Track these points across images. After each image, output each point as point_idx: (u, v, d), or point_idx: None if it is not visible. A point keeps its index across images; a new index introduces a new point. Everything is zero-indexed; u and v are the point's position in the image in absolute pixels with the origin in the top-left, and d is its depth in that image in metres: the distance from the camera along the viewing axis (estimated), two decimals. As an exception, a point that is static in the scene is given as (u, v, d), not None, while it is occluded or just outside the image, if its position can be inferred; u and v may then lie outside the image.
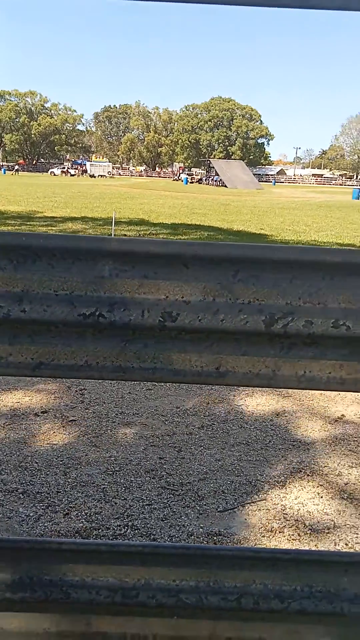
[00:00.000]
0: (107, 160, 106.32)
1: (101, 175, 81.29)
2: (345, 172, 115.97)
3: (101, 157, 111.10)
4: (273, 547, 2.29)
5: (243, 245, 1.08)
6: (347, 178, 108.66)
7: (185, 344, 1.12)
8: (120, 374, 1.11)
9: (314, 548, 2.34)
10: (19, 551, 1.40)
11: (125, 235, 12.18)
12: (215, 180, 67.96)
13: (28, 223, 13.86)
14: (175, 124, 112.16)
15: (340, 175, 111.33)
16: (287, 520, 2.53)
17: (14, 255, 1.05)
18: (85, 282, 1.07)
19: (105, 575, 1.38)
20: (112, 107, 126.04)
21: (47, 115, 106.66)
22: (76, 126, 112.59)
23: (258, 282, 1.08)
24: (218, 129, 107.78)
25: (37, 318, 1.07)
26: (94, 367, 1.11)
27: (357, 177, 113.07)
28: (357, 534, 2.48)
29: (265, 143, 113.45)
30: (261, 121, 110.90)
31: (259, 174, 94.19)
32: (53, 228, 13.20)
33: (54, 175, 78.38)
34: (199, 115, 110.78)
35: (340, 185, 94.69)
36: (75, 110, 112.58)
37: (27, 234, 1.05)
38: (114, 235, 11.11)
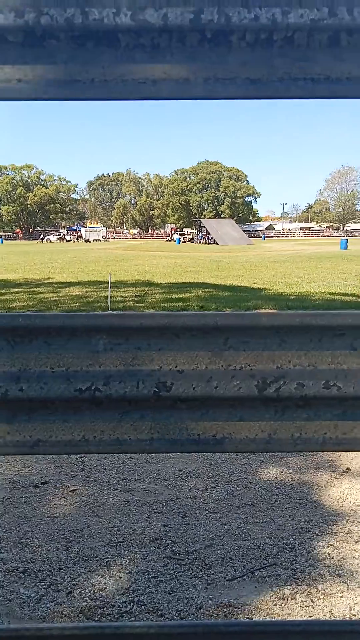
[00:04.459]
0: (102, 225, 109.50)
1: (96, 240, 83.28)
2: (331, 223, 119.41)
3: (95, 222, 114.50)
4: (283, 619, 2.19)
5: (230, 314, 1.12)
6: (334, 229, 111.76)
7: (181, 413, 1.14)
8: (118, 446, 1.12)
9: (324, 618, 2.24)
10: None
11: (122, 296, 12.37)
12: (206, 239, 69.70)
13: (28, 290, 14.09)
14: (166, 188, 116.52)
15: (327, 227, 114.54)
16: (299, 585, 2.44)
17: (11, 335, 1.09)
18: (81, 357, 1.10)
19: (111, 659, 1.32)
20: (104, 175, 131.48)
21: (43, 187, 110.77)
22: (70, 195, 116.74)
23: (248, 347, 1.11)
24: (207, 190, 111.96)
25: (34, 396, 1.09)
26: (91, 442, 1.12)
27: (343, 228, 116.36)
28: (373, 597, 2.38)
29: (253, 201, 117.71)
30: (247, 181, 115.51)
31: (249, 230, 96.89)
32: (52, 294, 13.39)
33: (50, 242, 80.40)
34: (188, 179, 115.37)
35: (328, 236, 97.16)
36: (69, 181, 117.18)
37: (24, 315, 1.09)
38: (111, 296, 11.30)
